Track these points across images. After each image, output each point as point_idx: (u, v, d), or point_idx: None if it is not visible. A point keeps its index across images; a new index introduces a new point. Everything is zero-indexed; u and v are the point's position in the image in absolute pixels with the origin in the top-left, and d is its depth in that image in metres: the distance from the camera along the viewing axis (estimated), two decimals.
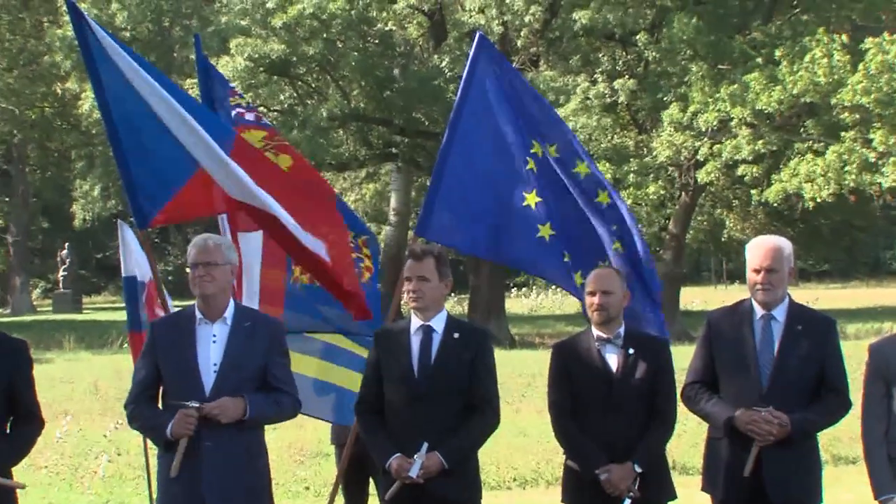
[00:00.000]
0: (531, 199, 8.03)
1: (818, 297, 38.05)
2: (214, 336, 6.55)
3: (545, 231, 8.02)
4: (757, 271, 6.85)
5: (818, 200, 30.70)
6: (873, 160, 29.99)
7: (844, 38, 31.00)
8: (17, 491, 6.59)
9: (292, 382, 6.73)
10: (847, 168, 29.82)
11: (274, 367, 6.60)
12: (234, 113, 8.98)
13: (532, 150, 8.11)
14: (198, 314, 6.60)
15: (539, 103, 8.60)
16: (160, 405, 6.64)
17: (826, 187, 30.10)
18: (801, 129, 32.42)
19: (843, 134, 30.34)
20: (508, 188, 8.10)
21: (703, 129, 31.17)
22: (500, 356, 7.98)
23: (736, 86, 30.54)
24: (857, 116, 30.29)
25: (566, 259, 8.02)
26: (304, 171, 8.51)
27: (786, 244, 6.95)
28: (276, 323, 7.02)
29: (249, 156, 7.79)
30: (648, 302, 7.99)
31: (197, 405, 6.30)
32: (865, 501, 6.68)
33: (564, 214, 8.10)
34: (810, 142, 31.68)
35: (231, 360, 6.48)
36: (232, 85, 9.64)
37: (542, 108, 8.62)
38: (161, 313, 7.97)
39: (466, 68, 8.34)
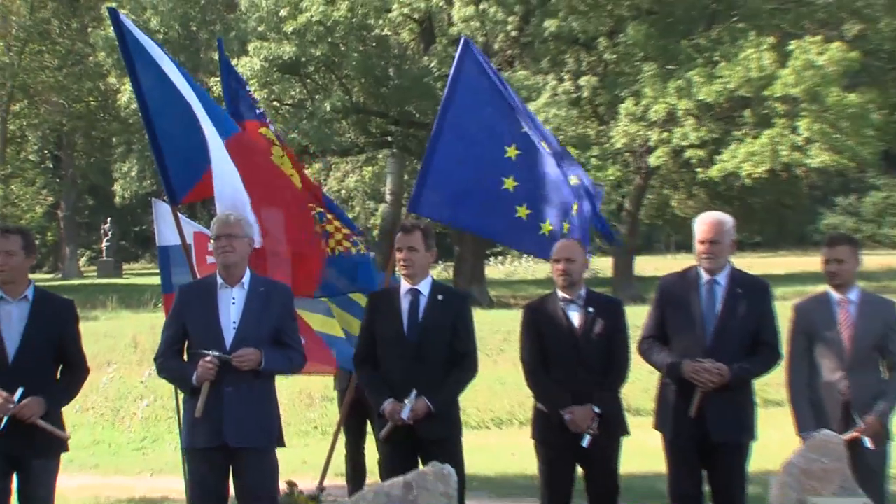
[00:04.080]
0: (509, 183, 7.97)
1: (752, 264, 38.07)
2: (234, 299, 6.54)
3: (522, 211, 7.97)
4: (702, 242, 6.85)
5: (754, 177, 30.90)
6: (800, 144, 30.32)
7: (772, 39, 31.31)
8: (69, 431, 6.60)
9: (299, 341, 6.75)
10: (779, 147, 30.15)
11: (285, 328, 6.63)
12: (258, 111, 8.89)
13: (522, 130, 8.03)
14: (219, 280, 6.60)
15: (515, 98, 8.53)
16: (185, 358, 6.61)
17: (762, 164, 30.37)
18: (738, 119, 32.58)
19: (774, 121, 30.61)
20: (488, 173, 8.05)
21: (654, 120, 31.27)
22: (480, 315, 7.96)
23: (681, 81, 30.70)
24: (786, 107, 30.55)
25: (543, 231, 7.96)
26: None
27: (728, 219, 6.93)
28: (286, 290, 6.99)
29: (246, 148, 7.77)
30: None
31: (217, 354, 6.31)
32: (790, 438, 6.67)
33: (540, 190, 8.02)
34: (746, 128, 31.88)
35: (248, 319, 6.49)
36: (248, 88, 9.53)
37: (520, 101, 8.58)
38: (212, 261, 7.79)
39: (454, 68, 8.26)
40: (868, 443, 6.62)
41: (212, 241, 6.65)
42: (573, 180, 8.04)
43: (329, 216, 8.47)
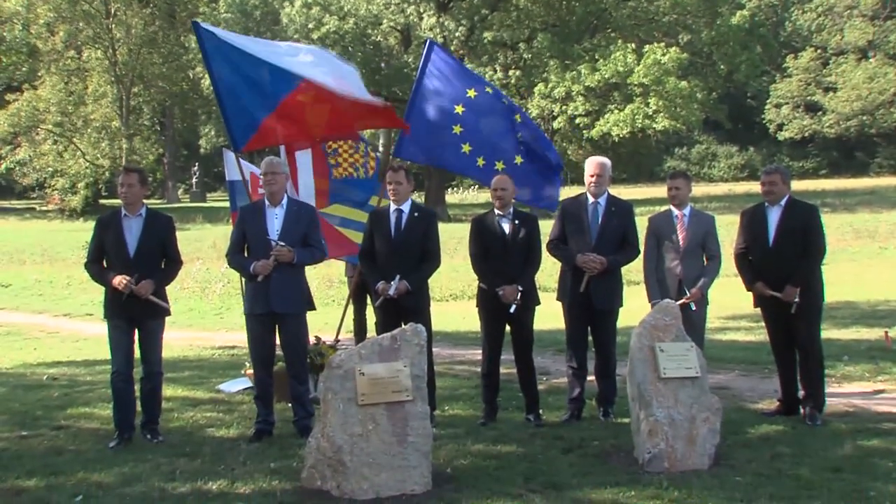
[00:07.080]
0: (457, 129, 7.79)
1: (620, 192, 37.92)
2: (277, 215, 6.42)
3: (466, 148, 7.81)
4: (591, 176, 6.75)
5: (621, 136, 31.56)
6: (651, 114, 30.85)
7: (632, 44, 31.78)
8: (171, 302, 6.56)
9: (321, 242, 6.60)
10: (637, 116, 30.74)
11: (311, 233, 6.48)
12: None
13: (467, 95, 7.80)
14: (266, 203, 6.48)
15: (470, 72, 8.37)
16: (245, 254, 6.50)
17: (626, 127, 31.00)
18: (611, 98, 32.83)
19: (634, 99, 31.14)
20: (445, 124, 7.84)
21: (557, 98, 31.49)
22: (442, 226, 7.84)
23: (574, 72, 31.04)
24: (641, 90, 31.04)
25: (478, 164, 7.79)
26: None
27: (607, 161, 6.87)
28: (312, 208, 6.90)
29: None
30: (543, 187, 7.80)
31: (273, 254, 6.24)
32: (644, 304, 6.65)
33: (482, 135, 7.79)
34: (615, 104, 32.23)
35: (286, 229, 6.37)
36: None
37: (474, 74, 8.52)
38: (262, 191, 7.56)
39: (421, 61, 8.04)
40: (693, 306, 6.65)
41: (261, 176, 6.51)
42: (519, 136, 7.81)
43: (343, 147, 8.29)
